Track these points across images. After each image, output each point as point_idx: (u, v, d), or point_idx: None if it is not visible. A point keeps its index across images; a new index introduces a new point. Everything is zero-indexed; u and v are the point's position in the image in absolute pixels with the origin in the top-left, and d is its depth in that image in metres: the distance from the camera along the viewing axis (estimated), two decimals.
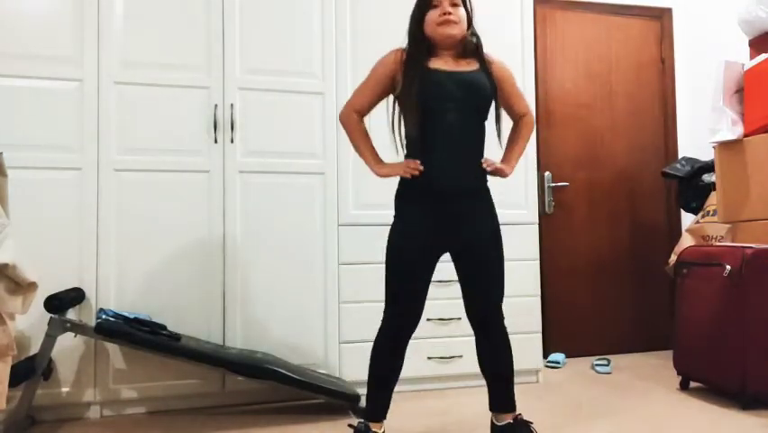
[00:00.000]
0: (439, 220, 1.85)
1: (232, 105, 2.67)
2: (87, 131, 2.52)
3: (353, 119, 1.97)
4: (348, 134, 1.99)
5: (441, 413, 2.48)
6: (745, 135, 2.78)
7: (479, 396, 2.52)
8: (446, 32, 1.85)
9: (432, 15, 1.86)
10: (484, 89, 1.88)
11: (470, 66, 1.90)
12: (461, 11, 1.89)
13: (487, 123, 1.95)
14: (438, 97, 1.83)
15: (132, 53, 2.58)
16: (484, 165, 1.90)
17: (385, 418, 1.93)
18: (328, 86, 2.80)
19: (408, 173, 1.84)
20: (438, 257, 1.90)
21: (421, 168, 1.83)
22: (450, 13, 1.84)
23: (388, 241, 1.90)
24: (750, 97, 2.77)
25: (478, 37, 1.95)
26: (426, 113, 1.83)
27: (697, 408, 2.50)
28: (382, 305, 1.93)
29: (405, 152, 1.95)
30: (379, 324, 1.94)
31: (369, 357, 1.94)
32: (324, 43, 2.80)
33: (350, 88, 2.82)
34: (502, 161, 2.01)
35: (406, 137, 1.93)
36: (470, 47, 1.92)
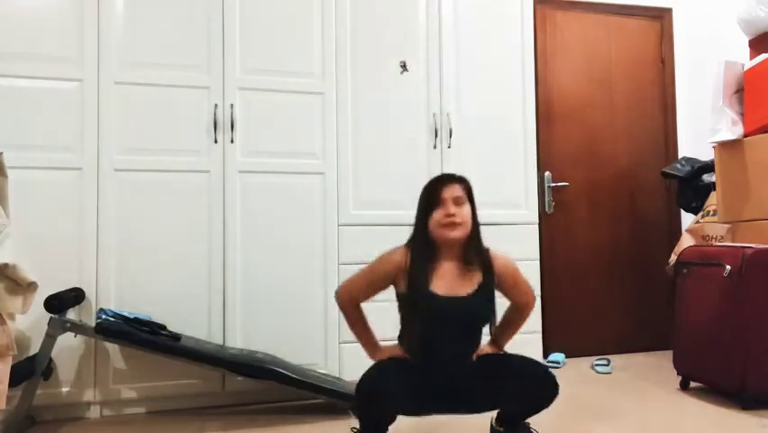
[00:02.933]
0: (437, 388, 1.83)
1: (232, 105, 2.67)
2: (87, 131, 2.52)
3: (351, 306, 1.93)
4: (345, 317, 1.95)
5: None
6: (745, 135, 2.78)
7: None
8: (449, 236, 1.81)
9: (436, 215, 1.82)
10: (481, 316, 1.88)
11: (472, 281, 1.84)
12: (466, 209, 1.84)
13: None
14: (437, 323, 1.81)
15: (132, 53, 2.58)
16: (481, 351, 1.91)
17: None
18: (328, 86, 2.79)
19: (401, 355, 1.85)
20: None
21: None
22: (453, 215, 1.80)
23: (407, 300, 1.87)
24: (750, 97, 2.77)
25: (480, 242, 1.89)
26: (425, 333, 1.83)
27: (697, 408, 2.50)
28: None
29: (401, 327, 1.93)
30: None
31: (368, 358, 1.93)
32: (324, 43, 2.80)
33: (350, 88, 2.83)
34: (491, 340, 1.97)
35: (402, 330, 1.92)
36: (473, 255, 1.86)
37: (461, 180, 1.88)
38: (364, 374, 1.73)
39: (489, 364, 1.87)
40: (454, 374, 1.83)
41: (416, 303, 1.82)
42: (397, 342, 1.94)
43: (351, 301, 1.91)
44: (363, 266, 1.93)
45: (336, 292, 1.96)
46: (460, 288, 1.83)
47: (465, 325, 1.85)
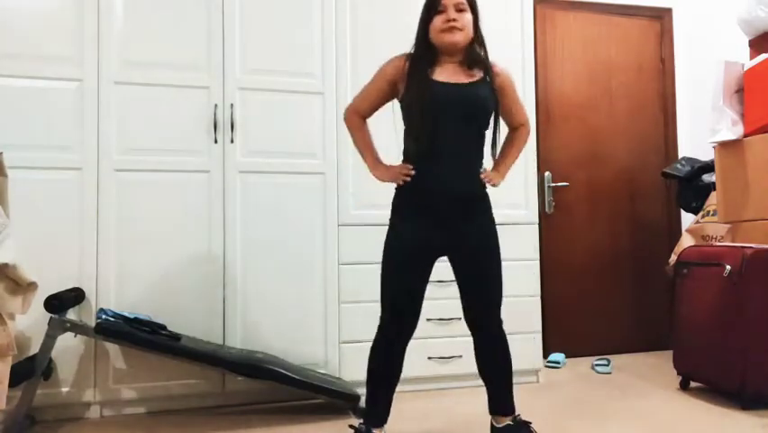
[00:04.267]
0: (436, 224, 1.85)
1: (232, 105, 2.67)
2: (87, 131, 2.52)
3: (355, 120, 2.00)
4: (350, 134, 2.04)
5: (441, 413, 2.48)
6: (745, 135, 2.78)
7: (479, 396, 2.52)
8: (449, 40, 1.83)
9: (436, 21, 1.84)
10: (484, 103, 1.87)
11: (473, 77, 1.88)
12: (467, 16, 1.86)
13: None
14: (438, 109, 1.82)
15: (132, 53, 2.58)
16: (482, 176, 1.91)
17: (386, 422, 1.92)
18: (328, 86, 2.79)
19: (400, 179, 1.86)
20: (434, 260, 1.90)
21: (412, 172, 1.85)
22: (454, 20, 1.82)
23: (385, 244, 1.90)
24: (750, 97, 2.77)
25: (484, 46, 1.93)
26: (426, 122, 1.83)
27: (697, 408, 2.50)
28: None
29: (403, 157, 1.95)
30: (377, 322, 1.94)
31: (368, 359, 1.93)
32: (324, 43, 2.80)
33: (350, 88, 2.83)
34: (493, 168, 2.00)
35: (405, 142, 1.94)
36: (475, 57, 1.90)
37: None
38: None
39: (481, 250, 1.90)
40: (458, 187, 1.85)
41: (416, 92, 1.83)
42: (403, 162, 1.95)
43: (355, 113, 1.98)
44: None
45: (345, 110, 2.02)
46: (461, 79, 1.87)
47: (469, 112, 1.85)
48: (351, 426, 1.95)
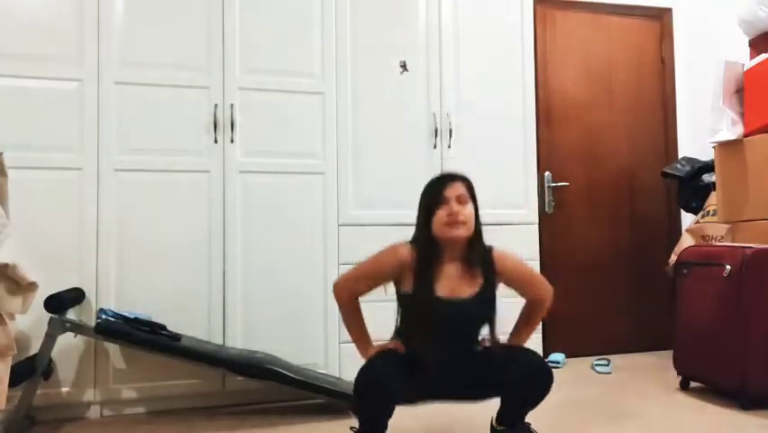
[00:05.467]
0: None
1: (232, 105, 2.67)
2: (87, 131, 2.52)
3: (349, 299, 1.91)
4: (341, 311, 1.94)
5: (441, 413, 2.48)
6: (745, 135, 2.78)
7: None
8: (452, 235, 1.81)
9: (439, 215, 1.81)
10: (480, 320, 1.89)
11: (474, 284, 1.85)
12: (469, 208, 1.84)
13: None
14: (438, 326, 1.82)
15: (132, 53, 2.58)
16: (484, 344, 1.91)
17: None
18: (328, 86, 2.79)
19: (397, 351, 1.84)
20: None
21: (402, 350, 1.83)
22: (457, 214, 1.80)
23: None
24: (750, 97, 2.77)
25: (482, 241, 1.90)
26: (425, 335, 1.83)
27: (697, 408, 2.50)
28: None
29: (395, 331, 1.93)
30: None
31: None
32: (324, 43, 2.80)
33: (350, 88, 2.83)
34: (510, 339, 1.97)
35: (400, 322, 1.92)
36: (475, 256, 1.87)
37: (464, 179, 1.88)
38: (361, 369, 1.74)
39: (489, 353, 1.89)
40: (453, 367, 1.85)
41: (420, 306, 1.83)
42: (393, 338, 1.93)
43: (350, 294, 1.90)
44: (362, 260, 1.92)
45: (335, 284, 1.94)
46: (462, 290, 1.84)
47: (465, 327, 1.89)
48: (352, 428, 1.94)
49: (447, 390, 1.87)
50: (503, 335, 1.96)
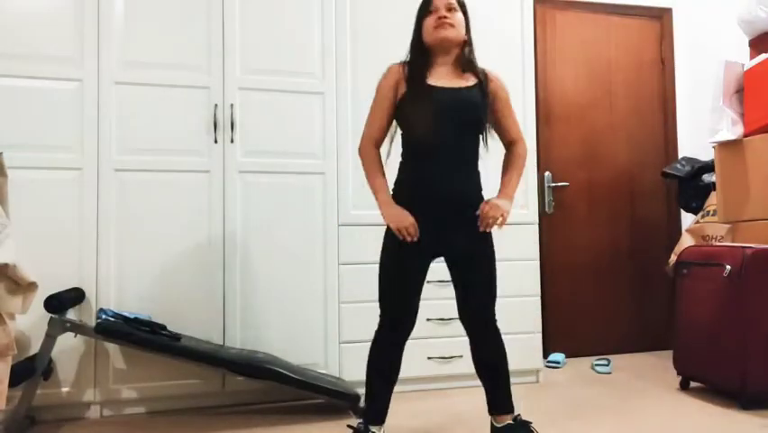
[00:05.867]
0: (432, 226, 1.87)
1: (232, 105, 2.67)
2: (87, 131, 2.52)
3: (371, 153, 1.96)
4: (364, 167, 1.98)
5: (441, 413, 2.48)
6: (745, 135, 2.78)
7: (479, 396, 2.52)
8: (441, 35, 1.88)
9: (429, 20, 1.90)
10: (476, 108, 1.89)
11: (467, 81, 1.92)
12: (459, 15, 1.91)
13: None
14: (435, 113, 1.84)
15: (132, 53, 2.58)
16: (481, 227, 1.90)
17: (384, 421, 1.93)
18: (328, 86, 2.79)
19: (403, 234, 1.84)
20: (431, 261, 1.92)
21: (416, 238, 1.84)
22: (446, 17, 1.87)
23: (383, 245, 1.92)
24: (750, 97, 2.77)
25: (472, 50, 1.97)
26: (424, 126, 1.85)
27: (697, 408, 2.50)
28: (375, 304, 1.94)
29: (401, 159, 1.96)
30: (372, 322, 1.94)
31: (367, 358, 1.94)
32: (324, 43, 2.80)
33: (350, 88, 2.83)
34: (498, 195, 1.97)
35: (404, 144, 1.95)
36: (467, 60, 1.94)
37: None
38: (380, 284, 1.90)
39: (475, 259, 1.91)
40: (455, 191, 1.87)
41: (414, 97, 1.86)
42: (394, 190, 1.95)
43: (370, 142, 1.96)
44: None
45: (359, 145, 1.98)
46: (456, 83, 1.90)
47: (465, 116, 1.88)
48: (349, 426, 1.95)
49: (446, 235, 1.88)
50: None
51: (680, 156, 3.80)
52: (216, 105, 2.65)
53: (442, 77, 1.90)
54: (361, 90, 2.85)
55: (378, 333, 1.92)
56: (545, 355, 3.40)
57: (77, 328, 2.30)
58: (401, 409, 2.53)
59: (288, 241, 2.71)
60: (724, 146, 2.87)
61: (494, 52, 3.10)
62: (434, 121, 1.84)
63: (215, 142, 2.65)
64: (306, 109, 2.77)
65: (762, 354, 2.40)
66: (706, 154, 3.40)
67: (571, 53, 3.71)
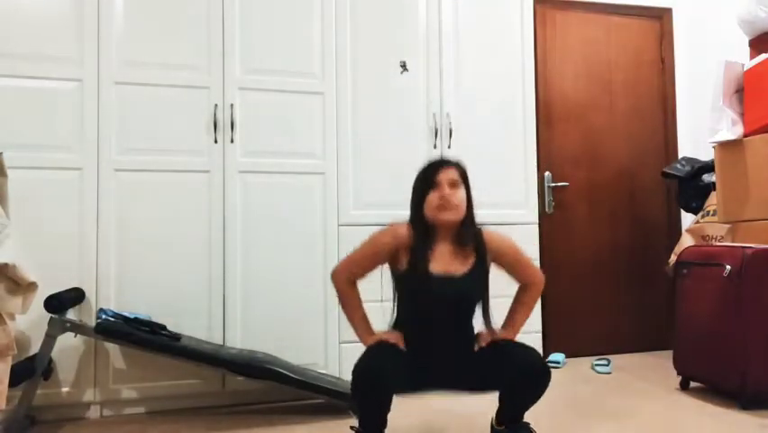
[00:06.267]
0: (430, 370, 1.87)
1: (232, 105, 2.67)
2: (87, 131, 2.52)
3: (348, 289, 1.94)
4: (340, 299, 1.96)
5: (441, 413, 2.48)
6: (745, 135, 2.78)
7: (479, 396, 2.52)
8: (443, 218, 1.85)
9: (431, 198, 1.86)
10: (472, 297, 1.90)
11: (466, 263, 1.88)
12: (461, 193, 1.87)
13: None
14: (434, 303, 1.85)
15: (132, 53, 2.58)
16: (481, 343, 1.91)
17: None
18: (328, 86, 2.80)
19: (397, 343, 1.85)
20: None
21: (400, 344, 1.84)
22: (448, 201, 1.84)
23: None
24: (750, 97, 2.77)
25: (474, 224, 1.93)
26: (422, 311, 1.87)
27: (697, 408, 2.50)
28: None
29: (396, 312, 1.95)
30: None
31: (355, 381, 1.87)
32: (324, 43, 2.80)
33: (350, 88, 2.83)
34: (503, 326, 1.97)
35: (400, 308, 1.94)
36: (466, 237, 1.90)
37: (457, 164, 1.92)
38: (359, 359, 1.75)
39: (489, 347, 1.90)
40: (450, 350, 1.86)
41: (415, 282, 1.85)
42: (390, 329, 1.94)
43: (349, 279, 1.93)
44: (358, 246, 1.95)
45: (333, 271, 1.96)
46: (455, 268, 1.87)
47: (458, 303, 1.89)
48: (352, 427, 1.95)
49: (445, 377, 1.87)
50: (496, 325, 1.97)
51: (680, 156, 3.79)
52: (216, 105, 2.65)
53: (442, 260, 1.87)
54: (361, 90, 2.85)
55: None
56: (545, 355, 3.40)
57: (77, 328, 2.30)
58: (401, 408, 2.52)
59: (288, 241, 2.71)
60: (724, 146, 2.87)
61: (494, 52, 3.10)
62: (432, 308, 1.85)
63: (215, 142, 2.65)
64: (306, 109, 2.77)
65: (762, 354, 2.40)
66: (706, 154, 3.40)
67: (571, 53, 3.71)
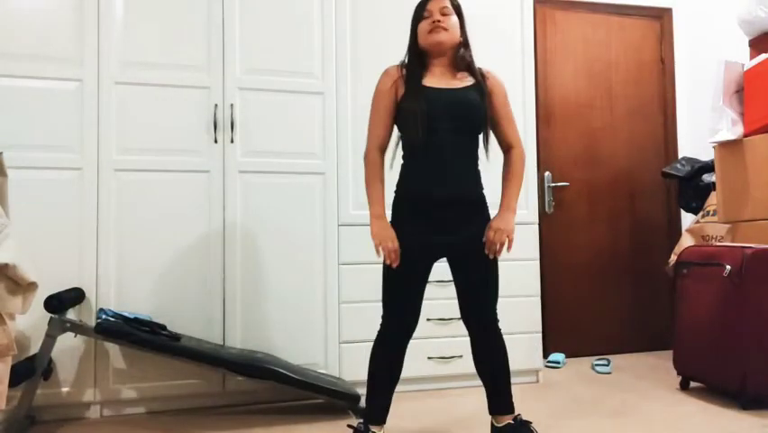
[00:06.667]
0: (433, 227, 1.87)
1: (232, 105, 2.67)
2: (87, 131, 2.52)
3: (375, 160, 1.93)
4: (365, 173, 1.95)
5: (441, 413, 2.48)
6: (745, 135, 2.78)
7: (479, 396, 2.52)
8: (434, 39, 1.88)
9: (423, 25, 1.91)
10: (472, 106, 1.89)
11: (463, 81, 1.92)
12: (453, 19, 1.91)
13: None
14: (432, 114, 1.84)
15: (132, 53, 2.58)
16: (490, 255, 1.90)
17: (385, 421, 1.93)
18: (328, 86, 2.80)
19: (384, 255, 1.86)
20: (433, 262, 1.92)
21: (396, 263, 1.85)
22: (439, 21, 1.88)
23: None
24: (750, 97, 2.77)
25: (469, 49, 1.97)
26: (421, 128, 1.85)
27: (697, 408, 2.50)
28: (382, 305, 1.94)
29: (402, 160, 1.96)
30: (379, 323, 1.94)
31: (368, 358, 1.94)
32: (324, 43, 2.80)
33: (350, 88, 2.83)
34: (500, 207, 1.97)
35: (404, 147, 1.95)
36: (462, 59, 1.94)
37: None
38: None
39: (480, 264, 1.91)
40: (456, 196, 1.87)
41: (411, 99, 1.86)
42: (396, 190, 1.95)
43: (375, 148, 1.93)
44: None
45: (365, 151, 1.96)
46: (452, 84, 1.90)
47: (461, 116, 1.87)
48: (349, 426, 1.95)
49: (450, 234, 1.87)
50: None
51: (680, 156, 3.80)
52: (216, 105, 2.65)
53: (437, 78, 1.91)
54: (361, 90, 2.85)
55: (380, 333, 1.92)
56: (545, 355, 3.40)
57: (77, 328, 2.30)
58: (401, 409, 2.53)
59: (288, 241, 2.71)
60: (724, 146, 2.87)
61: (494, 52, 3.10)
62: (430, 121, 1.84)
63: (215, 142, 2.65)
64: (306, 109, 2.77)
65: (762, 355, 2.40)
66: (706, 154, 3.40)
67: (572, 53, 3.72)
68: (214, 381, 2.58)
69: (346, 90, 2.82)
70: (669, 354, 2.92)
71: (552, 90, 3.67)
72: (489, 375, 1.96)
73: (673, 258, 3.14)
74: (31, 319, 2.32)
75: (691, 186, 3.40)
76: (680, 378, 2.81)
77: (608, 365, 3.26)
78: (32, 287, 1.84)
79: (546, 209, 3.58)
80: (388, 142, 1.96)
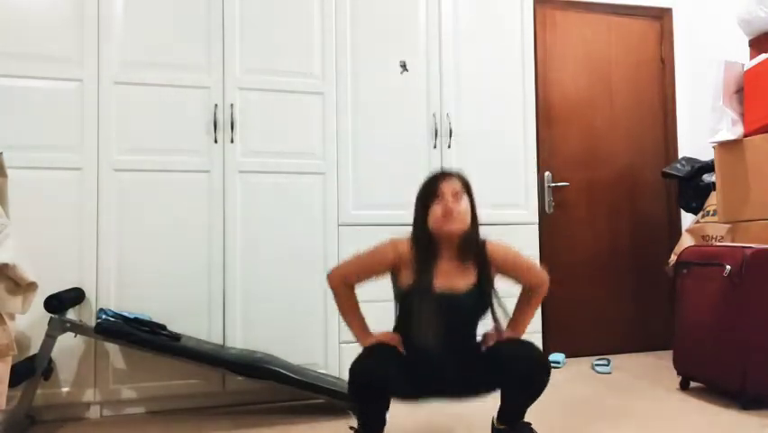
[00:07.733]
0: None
1: (232, 105, 2.67)
2: (87, 131, 2.52)
3: (346, 291, 1.93)
4: (336, 300, 1.95)
5: (441, 413, 2.48)
6: (745, 135, 2.78)
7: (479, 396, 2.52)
8: (447, 229, 1.83)
9: (435, 209, 1.83)
10: (475, 313, 1.90)
11: (468, 278, 1.87)
12: (464, 204, 1.85)
13: None
14: (438, 321, 1.82)
15: (132, 53, 2.58)
16: (484, 346, 1.90)
17: (385, 423, 1.88)
18: (328, 86, 2.80)
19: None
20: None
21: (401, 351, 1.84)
22: (452, 209, 1.82)
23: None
24: (750, 97, 2.77)
25: (478, 235, 1.91)
26: (425, 327, 1.82)
27: (697, 408, 2.50)
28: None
29: (397, 318, 1.94)
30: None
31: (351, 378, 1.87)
32: (324, 43, 2.80)
33: (350, 88, 2.83)
34: (508, 326, 1.96)
35: (403, 317, 1.92)
36: (468, 250, 1.88)
37: (459, 176, 1.90)
38: (356, 358, 1.75)
39: (488, 349, 1.90)
40: (452, 361, 1.84)
41: (418, 300, 1.83)
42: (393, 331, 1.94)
43: (343, 282, 1.92)
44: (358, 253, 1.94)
45: (329, 273, 1.96)
46: (457, 283, 1.86)
47: (461, 320, 1.89)
48: (351, 427, 1.95)
49: (447, 385, 1.87)
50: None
51: (680, 156, 3.79)
52: (216, 105, 2.65)
53: (444, 276, 1.85)
54: (361, 90, 2.85)
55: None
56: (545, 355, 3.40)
57: (77, 328, 2.30)
58: (401, 408, 2.52)
59: (288, 241, 2.71)
60: (724, 146, 2.87)
61: (494, 52, 3.10)
62: (437, 324, 1.81)
63: (215, 142, 2.65)
64: (306, 109, 2.77)
65: (762, 355, 2.40)
66: (706, 154, 3.40)
67: (572, 53, 3.71)
68: (214, 381, 2.58)
69: (346, 90, 2.82)
70: (669, 354, 2.92)
71: (552, 90, 3.66)
72: (517, 396, 1.90)
73: (673, 258, 3.14)
74: (31, 319, 2.32)
75: (691, 186, 3.39)
76: (680, 378, 2.81)
77: (608, 365, 3.25)
78: (31, 287, 1.84)
79: (546, 209, 3.58)
80: (355, 285, 1.94)
